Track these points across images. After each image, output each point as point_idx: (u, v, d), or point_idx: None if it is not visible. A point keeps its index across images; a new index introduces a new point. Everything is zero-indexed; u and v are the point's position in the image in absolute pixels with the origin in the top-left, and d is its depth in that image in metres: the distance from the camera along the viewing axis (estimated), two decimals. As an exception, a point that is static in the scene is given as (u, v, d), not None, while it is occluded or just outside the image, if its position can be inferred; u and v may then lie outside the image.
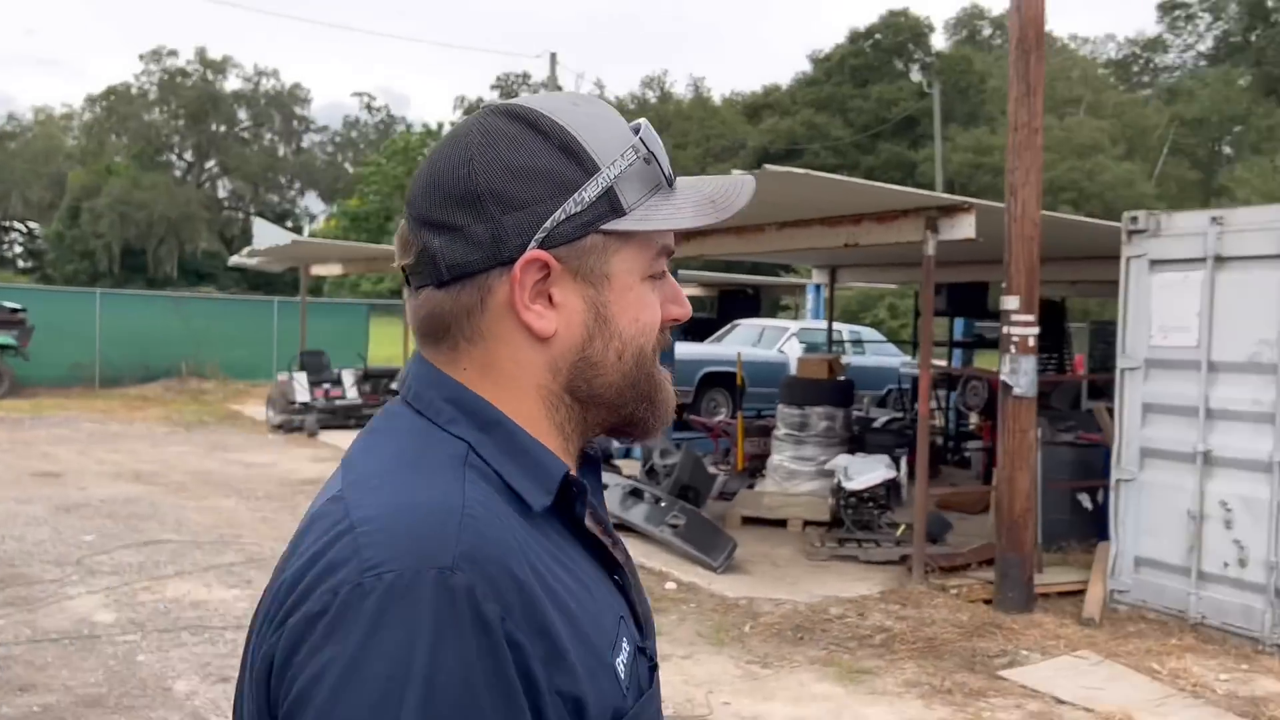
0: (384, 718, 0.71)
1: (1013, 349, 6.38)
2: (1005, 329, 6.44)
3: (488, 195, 0.85)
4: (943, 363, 13.77)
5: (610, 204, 0.86)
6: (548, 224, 0.85)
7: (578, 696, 0.78)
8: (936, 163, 34.82)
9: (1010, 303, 6.42)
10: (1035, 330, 6.42)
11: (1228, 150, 45.51)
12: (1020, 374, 6.36)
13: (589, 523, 0.89)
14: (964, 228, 6.53)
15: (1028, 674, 5.27)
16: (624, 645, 0.85)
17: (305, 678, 0.73)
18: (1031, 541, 6.46)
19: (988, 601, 6.39)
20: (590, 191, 0.85)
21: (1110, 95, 45.15)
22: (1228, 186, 36.23)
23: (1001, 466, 6.51)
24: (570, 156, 0.85)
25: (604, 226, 0.86)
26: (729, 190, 0.93)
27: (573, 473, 0.88)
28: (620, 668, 0.83)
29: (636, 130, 0.89)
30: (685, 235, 1.03)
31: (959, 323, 13.41)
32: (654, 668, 0.92)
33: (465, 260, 0.85)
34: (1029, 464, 6.48)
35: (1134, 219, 6.39)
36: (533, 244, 0.85)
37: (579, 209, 0.85)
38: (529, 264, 0.85)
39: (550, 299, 0.87)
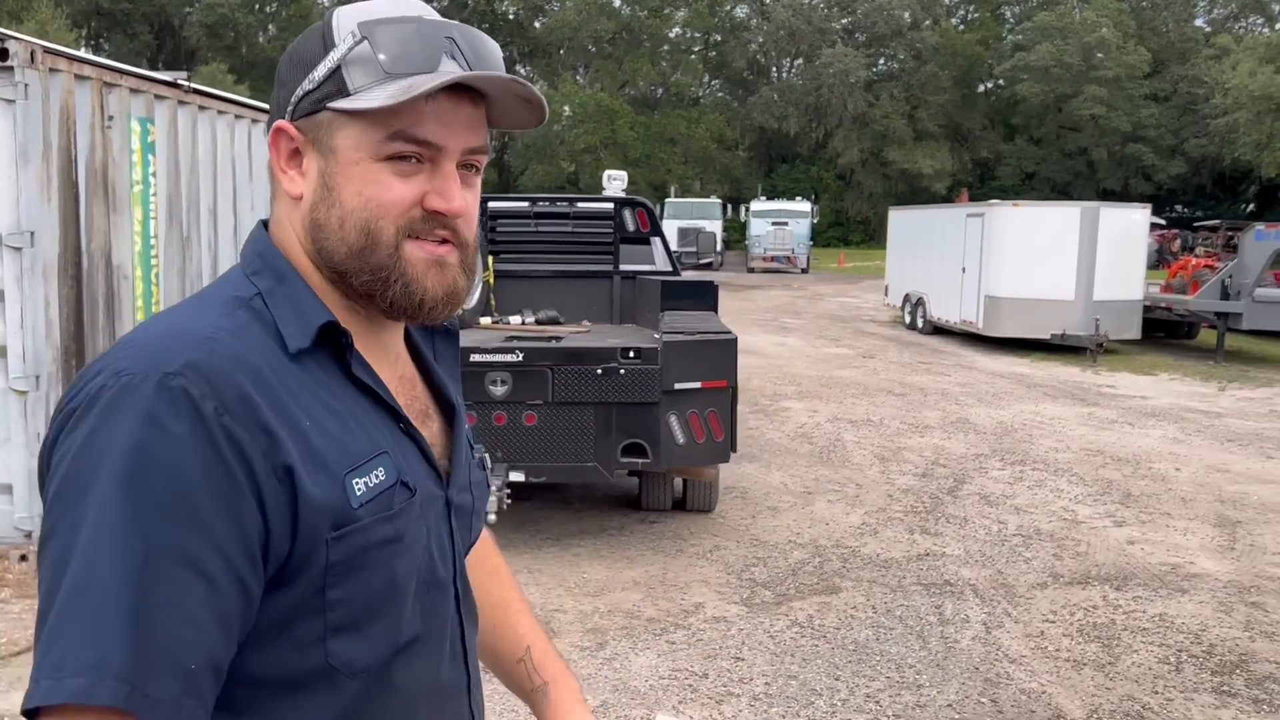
0: (93, 482, 0.84)
1: None
2: None
3: (280, 73, 1.03)
4: None
5: (337, 85, 0.98)
6: (293, 99, 1.00)
7: (290, 469, 0.90)
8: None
9: None
10: None
11: None
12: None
13: (357, 371, 1.00)
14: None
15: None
16: (376, 473, 0.97)
17: (54, 460, 0.89)
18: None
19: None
20: (320, 71, 0.98)
21: None
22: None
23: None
24: (321, 43, 1.00)
25: (330, 104, 0.98)
26: (431, 80, 0.96)
27: (343, 325, 1.00)
28: (356, 485, 0.95)
29: (417, 25, 0.99)
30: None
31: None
32: (414, 494, 1.01)
33: (269, 126, 1.03)
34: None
35: None
36: (285, 115, 1.01)
37: (312, 86, 0.99)
38: (277, 132, 1.02)
39: (302, 165, 1.01)
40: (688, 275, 8.97)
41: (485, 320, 7.83)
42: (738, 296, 26.87)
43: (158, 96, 6.36)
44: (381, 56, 0.96)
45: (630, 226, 8.15)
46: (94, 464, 0.85)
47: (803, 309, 23.62)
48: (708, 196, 45.09)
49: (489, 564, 1.35)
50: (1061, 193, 48.08)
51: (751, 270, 37.44)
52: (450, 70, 0.98)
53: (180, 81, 6.63)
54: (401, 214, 0.99)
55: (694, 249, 37.41)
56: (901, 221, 21.30)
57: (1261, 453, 9.21)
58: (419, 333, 1.17)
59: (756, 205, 39.43)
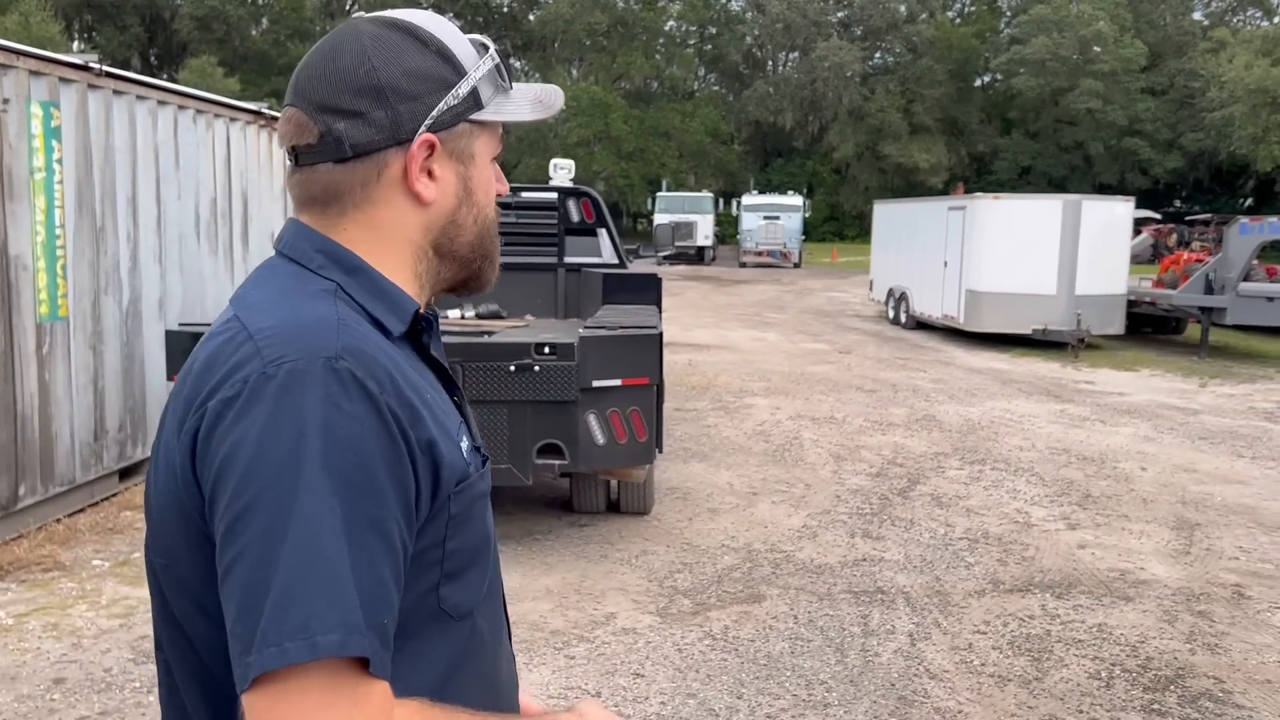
0: (295, 459, 0.90)
1: None
2: None
3: (388, 88, 1.05)
4: None
5: (475, 99, 1.10)
6: (434, 113, 1.07)
7: (432, 440, 0.99)
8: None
9: None
10: None
11: None
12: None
13: (435, 351, 1.13)
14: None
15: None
16: (464, 437, 1.08)
17: (229, 444, 0.92)
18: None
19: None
20: (463, 89, 1.09)
21: None
22: None
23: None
24: (446, 61, 1.09)
25: (471, 117, 1.10)
26: (549, 94, 1.17)
27: (423, 310, 1.12)
28: (464, 447, 1.06)
29: (485, 46, 1.13)
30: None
31: None
32: (486, 460, 1.14)
33: (368, 140, 1.06)
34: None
35: None
36: (423, 129, 1.06)
37: (456, 102, 1.08)
38: (423, 144, 1.07)
39: (431, 174, 1.08)
40: (639, 267, 8.70)
41: (423, 314, 7.56)
42: (725, 291, 26.60)
43: (64, 80, 6.08)
44: (501, 76, 1.13)
45: (575, 217, 7.87)
46: (289, 444, 0.90)
47: (788, 304, 23.33)
48: (702, 190, 44.82)
49: None
50: (1058, 187, 47.67)
51: (743, 265, 37.16)
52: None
53: (91, 64, 6.35)
54: (494, 202, 1.17)
55: (687, 242, 37.21)
56: (886, 215, 21.01)
57: (1233, 451, 8.93)
58: None
59: (748, 199, 39.14)
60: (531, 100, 1.15)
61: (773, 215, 37.38)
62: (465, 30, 1.15)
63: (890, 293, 19.56)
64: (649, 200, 42.07)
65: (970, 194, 18.20)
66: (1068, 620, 5.01)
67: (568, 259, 7.98)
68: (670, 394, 11.06)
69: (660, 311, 7.30)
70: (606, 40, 55.48)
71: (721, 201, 43.83)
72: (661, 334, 5.54)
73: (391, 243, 1.09)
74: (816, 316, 20.48)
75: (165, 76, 53.43)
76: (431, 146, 1.07)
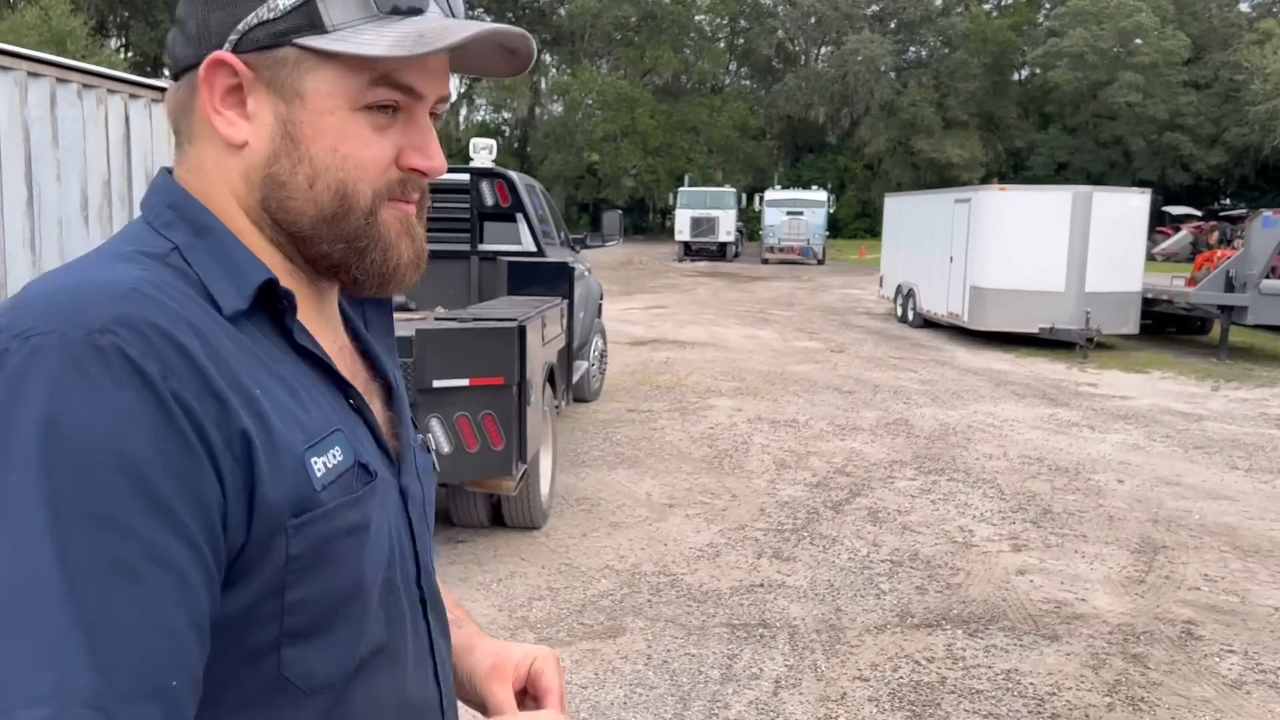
0: (5, 472, 0.67)
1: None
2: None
3: None
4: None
5: (309, 17, 0.83)
6: (240, 25, 0.84)
7: (250, 445, 0.75)
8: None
9: None
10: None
11: None
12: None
13: (300, 337, 0.86)
14: None
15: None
16: (333, 452, 0.83)
17: None
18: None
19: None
20: (285, 1, 0.83)
21: None
22: None
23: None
24: None
25: (298, 40, 0.84)
26: (449, 30, 0.85)
27: (286, 286, 0.86)
28: (316, 464, 0.81)
29: None
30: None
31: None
32: (370, 482, 0.87)
33: (182, 54, 0.87)
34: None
35: None
36: (226, 45, 0.84)
37: (272, 15, 0.83)
38: (214, 65, 0.84)
39: (246, 107, 0.85)
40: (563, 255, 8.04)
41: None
42: (737, 288, 25.89)
43: (-106, 46, 5.55)
44: None
45: (489, 201, 7.23)
46: (14, 440, 0.68)
47: (799, 301, 22.56)
48: (730, 185, 44.05)
49: None
50: (1097, 182, 46.23)
51: (765, 261, 36.37)
52: (434, 11, 0.88)
53: None
54: (380, 174, 0.87)
55: (708, 238, 36.52)
56: (895, 209, 20.18)
57: (1227, 462, 8.10)
58: (346, 299, 1.00)
59: (771, 194, 38.28)
60: (405, 33, 0.83)
61: (796, 211, 36.53)
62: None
63: (899, 289, 18.75)
64: (671, 195, 41.35)
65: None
66: (972, 664, 4.28)
67: (485, 246, 7.35)
68: (630, 394, 10.42)
69: (572, 305, 6.65)
70: (635, 34, 54.83)
71: (746, 197, 43.01)
72: (523, 328, 4.86)
73: (218, 194, 0.87)
74: (823, 314, 19.70)
75: (195, 72, 53.75)
76: (228, 68, 0.84)
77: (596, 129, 49.31)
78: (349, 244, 0.88)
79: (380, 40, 0.83)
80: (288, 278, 0.88)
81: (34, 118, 6.65)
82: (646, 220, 55.91)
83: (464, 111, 60.68)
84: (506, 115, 58.67)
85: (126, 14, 55.94)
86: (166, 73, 0.74)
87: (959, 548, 5.81)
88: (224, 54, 0.83)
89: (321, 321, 0.93)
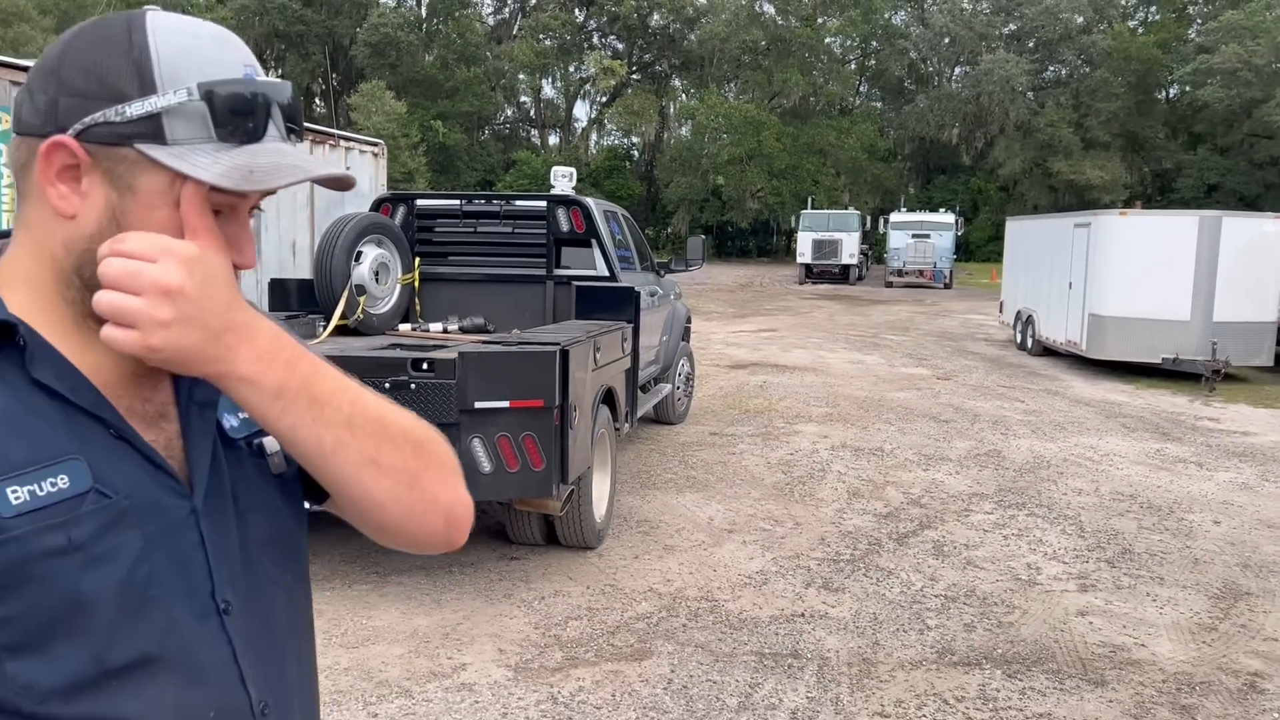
0: None
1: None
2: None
3: (63, 77, 0.93)
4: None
5: (153, 129, 0.91)
6: (87, 119, 0.91)
7: None
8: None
9: None
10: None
11: None
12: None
13: (37, 373, 0.92)
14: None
15: None
16: (51, 480, 0.89)
17: None
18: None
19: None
20: (134, 110, 0.91)
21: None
22: None
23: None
24: (136, 75, 0.91)
25: (139, 145, 0.92)
26: (277, 171, 0.94)
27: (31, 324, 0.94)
28: (13, 494, 0.87)
29: (250, 97, 0.94)
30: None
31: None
32: (197, 514, 0.98)
33: (28, 121, 0.95)
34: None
35: None
36: (71, 131, 0.91)
37: (119, 119, 0.91)
38: (54, 145, 0.92)
39: (80, 184, 0.93)
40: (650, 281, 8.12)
41: (405, 326, 7.24)
42: (855, 311, 25.52)
43: None
44: (213, 123, 0.92)
45: (564, 227, 7.38)
46: None
47: (916, 326, 22.10)
48: (856, 207, 43.50)
49: None
50: (1250, 206, 43.87)
51: (889, 285, 35.74)
52: (272, 134, 0.96)
53: None
54: None
55: (830, 261, 36.10)
56: (1017, 232, 19.58)
57: (1343, 506, 7.59)
58: None
59: (896, 217, 37.64)
60: (237, 166, 0.92)
61: (922, 234, 35.80)
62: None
63: (1018, 315, 18.18)
64: (793, 218, 41.06)
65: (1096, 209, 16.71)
66: (1003, 706, 4.14)
67: (561, 271, 7.49)
68: (718, 417, 10.41)
69: (637, 329, 6.73)
70: (764, 58, 54.76)
71: (872, 219, 42.32)
72: (565, 352, 4.95)
73: (37, 250, 0.96)
74: (939, 339, 19.25)
75: (340, 101, 56.21)
76: (68, 150, 0.91)
77: (722, 152, 49.37)
78: None
79: (213, 166, 0.92)
80: (76, 332, 0.95)
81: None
82: (770, 243, 55.62)
83: (594, 137, 61.74)
84: (635, 139, 59.31)
85: (282, 46, 58.91)
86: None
87: (1021, 585, 5.62)
88: (67, 139, 0.91)
89: (124, 361, 0.97)
